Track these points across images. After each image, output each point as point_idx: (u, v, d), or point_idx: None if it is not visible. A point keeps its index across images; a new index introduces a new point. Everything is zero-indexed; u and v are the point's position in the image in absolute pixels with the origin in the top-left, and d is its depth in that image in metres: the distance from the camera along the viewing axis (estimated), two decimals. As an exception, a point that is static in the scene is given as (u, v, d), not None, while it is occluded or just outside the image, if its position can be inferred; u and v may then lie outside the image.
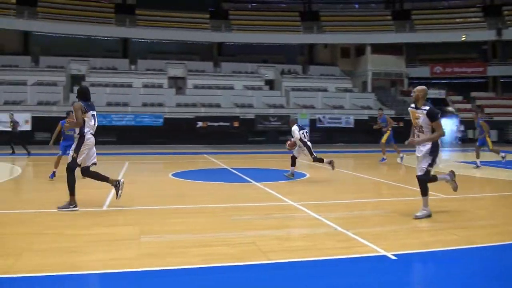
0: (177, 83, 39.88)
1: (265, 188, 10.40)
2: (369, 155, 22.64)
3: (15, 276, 4.58)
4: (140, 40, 43.28)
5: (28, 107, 32.01)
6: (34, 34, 41.77)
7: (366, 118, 34.27)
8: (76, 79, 37.32)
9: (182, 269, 4.76)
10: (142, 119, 31.71)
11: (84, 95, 7.96)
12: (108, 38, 42.79)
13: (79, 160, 7.93)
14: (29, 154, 19.95)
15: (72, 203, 7.83)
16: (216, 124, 32.36)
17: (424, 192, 7.20)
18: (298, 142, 12.41)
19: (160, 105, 34.41)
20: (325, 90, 40.27)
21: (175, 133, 31.39)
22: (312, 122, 34.14)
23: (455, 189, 7.93)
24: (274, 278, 4.58)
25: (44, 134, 29.50)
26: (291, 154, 12.67)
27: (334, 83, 42.18)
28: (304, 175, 13.46)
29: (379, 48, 43.58)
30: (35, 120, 29.96)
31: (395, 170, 15.65)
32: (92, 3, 42.88)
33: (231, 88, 39.00)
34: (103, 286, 4.36)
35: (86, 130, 7.85)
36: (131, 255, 5.20)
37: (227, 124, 32.42)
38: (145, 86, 37.26)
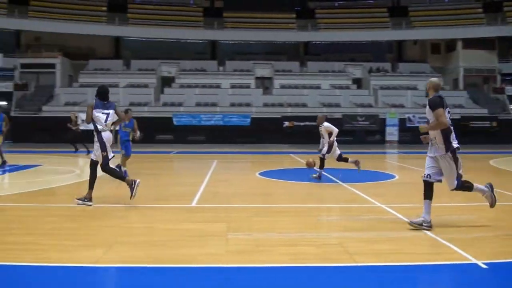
0: (264, 83, 40.21)
1: (352, 189, 10.21)
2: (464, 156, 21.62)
3: (103, 266, 4.77)
4: (227, 42, 44.18)
5: (120, 108, 33.36)
6: (125, 39, 43.83)
7: (458, 117, 32.73)
8: (166, 81, 38.65)
9: (269, 267, 4.73)
10: (230, 119, 32.29)
11: (100, 95, 8.37)
12: (197, 41, 43.91)
13: (96, 156, 8.34)
14: (88, 151, 20.57)
15: (87, 197, 8.19)
16: (302, 123, 32.25)
17: (466, 189, 6.51)
18: (326, 138, 11.92)
19: (247, 105, 34.87)
20: (414, 88, 38.76)
21: (262, 132, 31.67)
22: (402, 121, 33.24)
23: (492, 204, 6.68)
24: (360, 282, 4.43)
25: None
26: (319, 155, 12.24)
27: (424, 80, 40.20)
28: (393, 176, 13.09)
29: (470, 43, 41.48)
30: (128, 121, 31.28)
31: (493, 174, 14.85)
32: (181, 8, 44.26)
33: (318, 87, 38.74)
34: (192, 280, 4.42)
35: (99, 126, 8.21)
36: (219, 251, 5.24)
37: (313, 123, 32.16)
38: (233, 86, 37.88)
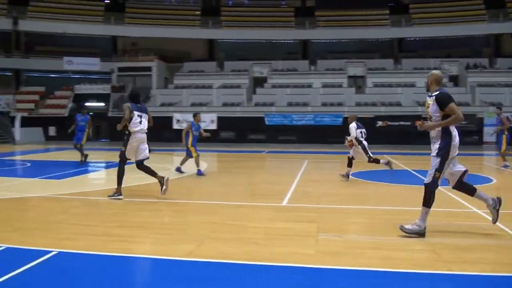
0: (357, 82, 39.52)
1: (448, 192, 9.78)
2: None
3: (195, 260, 4.93)
4: (319, 41, 43.89)
5: (214, 108, 34.35)
6: (219, 41, 44.89)
7: None
8: (258, 81, 39.08)
9: (358, 270, 4.63)
10: (322, 118, 32.04)
11: (134, 98, 9.03)
12: (289, 41, 44.05)
13: (127, 154, 8.79)
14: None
15: (117, 192, 8.67)
16: (396, 123, 31.31)
17: (426, 202, 5.94)
18: (354, 141, 11.77)
19: (339, 104, 34.43)
20: (513, 85, 36.23)
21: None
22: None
23: (494, 220, 6.11)
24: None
25: (228, 132, 31.44)
26: (347, 155, 12.04)
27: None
28: (490, 180, 12.41)
29: None
30: (220, 120, 32.02)
31: None
32: (272, 9, 44.60)
33: (413, 85, 37.30)
34: (282, 279, 4.43)
35: (133, 128, 8.68)
36: (310, 251, 5.23)
37: (408, 123, 31.06)
38: (325, 86, 37.53)
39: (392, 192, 10.39)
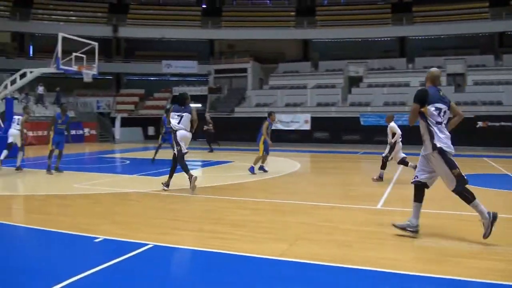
0: (456, 80, 37.79)
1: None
2: None
3: (287, 259, 4.97)
4: (417, 38, 42.39)
5: (308, 108, 34.23)
6: (314, 41, 44.71)
7: None
8: (353, 81, 38.47)
9: (457, 280, 4.41)
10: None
11: (176, 101, 10.28)
12: (385, 39, 43.03)
13: (178, 149, 9.76)
14: (211, 150, 21.80)
15: (167, 183, 9.90)
16: (497, 124, 29.45)
17: (466, 200, 5.76)
18: (389, 138, 11.91)
19: (437, 104, 33.03)
20: None
21: (454, 133, 29.67)
22: None
23: (485, 235, 5.64)
24: None
25: (322, 133, 31.25)
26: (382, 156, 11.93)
27: None
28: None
29: None
30: (314, 121, 31.86)
31: None
32: (368, 6, 43.74)
33: (515, 82, 35.07)
34: (374, 284, 4.35)
35: (174, 127, 9.75)
36: (403, 257, 5.10)
37: (510, 123, 29.04)
38: (422, 84, 35.94)
39: (492, 197, 9.86)
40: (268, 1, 48.61)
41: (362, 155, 21.88)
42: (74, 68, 19.57)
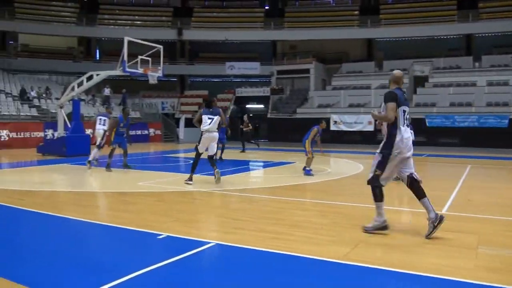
0: (528, 80, 36.06)
1: None
2: None
3: (348, 263, 4.93)
4: (484, 35, 40.66)
5: (372, 109, 33.47)
6: (378, 41, 43.93)
7: None
8: (419, 81, 37.50)
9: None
10: (486, 120, 29.79)
11: (206, 104, 11.75)
12: (451, 36, 41.70)
13: (199, 148, 11.06)
14: (244, 149, 22.17)
15: (190, 179, 10.85)
16: None
17: (374, 197, 6.34)
18: None
19: (505, 104, 31.71)
20: None
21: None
22: None
23: (428, 235, 5.98)
24: None
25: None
26: None
27: None
28: None
29: None
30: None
31: None
32: (433, 3, 42.38)
33: None
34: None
35: (202, 127, 10.96)
36: (468, 265, 4.93)
37: None
38: (490, 84, 34.77)
39: None
40: (331, 0, 48.23)
41: (427, 158, 21.31)
42: (140, 70, 20.11)
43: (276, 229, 6.46)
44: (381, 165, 6.28)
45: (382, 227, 6.24)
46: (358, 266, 4.84)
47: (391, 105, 6.09)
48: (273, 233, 6.20)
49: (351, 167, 15.78)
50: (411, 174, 6.36)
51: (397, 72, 6.47)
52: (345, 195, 10.00)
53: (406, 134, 6.19)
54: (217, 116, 11.01)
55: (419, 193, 6.33)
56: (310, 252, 5.29)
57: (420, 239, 5.97)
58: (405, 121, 6.22)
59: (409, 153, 6.31)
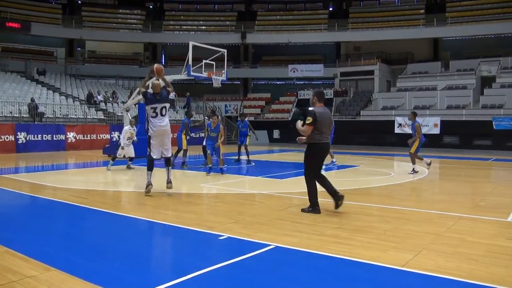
0: None
1: None
2: None
3: (410, 270, 4.86)
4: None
5: (437, 111, 32.76)
6: (444, 40, 42.69)
7: None
8: (486, 81, 36.16)
9: None
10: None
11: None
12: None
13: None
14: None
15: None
16: None
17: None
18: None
19: None
20: None
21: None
22: None
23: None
24: None
25: (452, 137, 29.83)
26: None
27: None
28: None
29: None
30: (444, 124, 30.48)
31: None
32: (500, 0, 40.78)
33: None
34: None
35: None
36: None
37: None
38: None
39: None
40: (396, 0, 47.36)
41: (493, 162, 20.54)
42: (204, 74, 20.47)
43: (336, 233, 6.44)
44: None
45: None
46: (420, 274, 4.76)
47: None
48: (333, 237, 6.18)
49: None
50: None
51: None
52: (409, 200, 9.84)
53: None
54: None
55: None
56: (371, 258, 5.23)
57: (487, 248, 5.78)
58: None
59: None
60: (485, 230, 6.79)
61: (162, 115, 9.55)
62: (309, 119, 7.62)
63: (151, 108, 9.53)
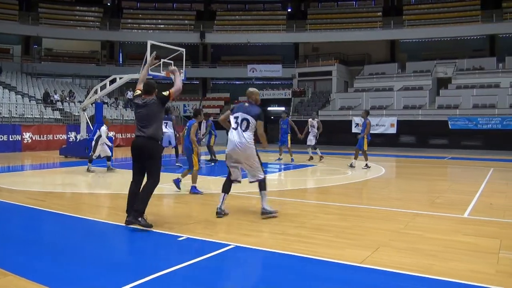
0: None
1: None
2: None
3: (368, 267, 4.93)
4: (508, 35, 39.79)
5: (394, 111, 33.40)
6: (401, 42, 43.62)
7: None
8: (442, 82, 37.10)
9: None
10: (510, 122, 29.27)
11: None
12: (475, 37, 41.07)
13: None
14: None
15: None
16: None
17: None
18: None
19: (528, 106, 31.04)
20: None
21: None
22: None
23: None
24: None
25: (408, 136, 30.47)
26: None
27: None
28: None
29: None
30: (400, 124, 31.11)
31: None
32: (456, 4, 41.99)
33: None
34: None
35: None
36: (490, 270, 4.86)
37: None
38: (514, 85, 34.08)
39: None
40: (354, 2, 48.02)
41: (449, 160, 21.07)
42: (162, 73, 20.24)
43: (298, 232, 6.47)
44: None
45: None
46: (378, 270, 4.82)
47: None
48: (294, 236, 6.21)
49: (373, 170, 15.69)
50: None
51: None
52: (367, 199, 9.98)
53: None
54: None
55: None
56: (331, 256, 5.29)
57: (444, 244, 5.92)
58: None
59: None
60: (443, 226, 6.95)
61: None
62: None
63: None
